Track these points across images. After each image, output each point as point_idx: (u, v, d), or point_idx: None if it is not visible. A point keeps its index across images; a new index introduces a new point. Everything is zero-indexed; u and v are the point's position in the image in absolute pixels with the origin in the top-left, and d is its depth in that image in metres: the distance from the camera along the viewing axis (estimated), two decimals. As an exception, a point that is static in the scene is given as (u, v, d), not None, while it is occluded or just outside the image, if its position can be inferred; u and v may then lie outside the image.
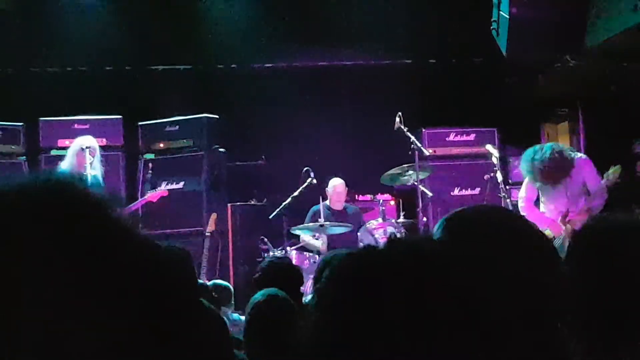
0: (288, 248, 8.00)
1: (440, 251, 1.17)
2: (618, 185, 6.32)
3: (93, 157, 7.47)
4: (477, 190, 8.92)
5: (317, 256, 7.92)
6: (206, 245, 8.07)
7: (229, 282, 6.85)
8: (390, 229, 7.92)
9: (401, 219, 8.27)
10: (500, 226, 1.37)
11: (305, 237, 8.26)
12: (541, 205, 6.72)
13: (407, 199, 8.78)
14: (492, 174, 7.39)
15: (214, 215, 8.32)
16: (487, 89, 9.76)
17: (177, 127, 9.05)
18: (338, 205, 8.57)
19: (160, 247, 1.04)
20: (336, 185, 8.57)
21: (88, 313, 0.89)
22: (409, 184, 8.11)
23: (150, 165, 8.88)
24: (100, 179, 7.54)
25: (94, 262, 0.91)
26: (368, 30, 9.61)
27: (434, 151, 9.00)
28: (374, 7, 9.62)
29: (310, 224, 8.13)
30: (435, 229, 1.39)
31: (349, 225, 8.07)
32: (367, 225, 8.12)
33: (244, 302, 3.73)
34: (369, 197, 9.52)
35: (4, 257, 0.88)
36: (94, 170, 7.43)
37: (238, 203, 9.13)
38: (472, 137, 9.27)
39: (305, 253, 8.06)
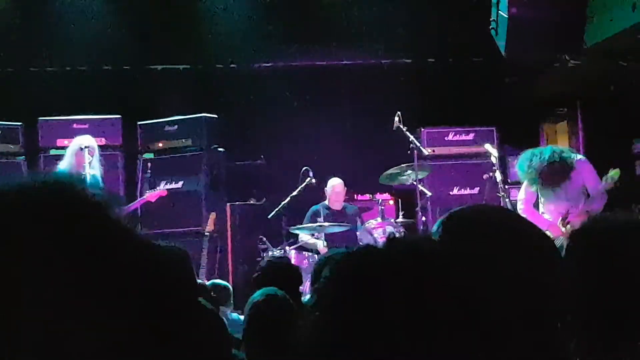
0: (287, 248, 8.00)
1: (440, 251, 1.17)
2: (618, 186, 6.30)
3: (92, 156, 7.47)
4: (476, 190, 8.92)
5: (316, 256, 7.91)
6: (205, 245, 8.06)
7: (228, 281, 6.85)
8: (389, 229, 7.92)
9: (400, 219, 8.28)
10: (499, 225, 1.37)
11: (305, 236, 8.26)
12: (540, 206, 6.70)
13: (406, 198, 8.77)
14: (491, 174, 7.39)
15: (213, 215, 8.32)
16: (487, 88, 9.75)
17: (176, 126, 9.04)
18: (337, 205, 8.56)
19: (160, 247, 1.03)
20: (335, 185, 8.57)
21: (88, 313, 0.89)
22: (408, 183, 8.10)
23: (149, 165, 8.87)
24: (99, 178, 7.54)
25: (94, 262, 0.91)
26: (367, 29, 9.62)
27: (433, 150, 9.00)
28: (374, 7, 9.62)
29: (309, 223, 8.14)
30: (435, 229, 1.38)
31: (348, 225, 8.07)
32: (366, 225, 8.13)
33: (243, 302, 3.73)
34: (368, 196, 9.51)
35: (4, 257, 0.88)
36: (92, 169, 7.43)
37: (237, 203, 9.13)
38: (471, 136, 9.27)
39: (304, 253, 8.06)
